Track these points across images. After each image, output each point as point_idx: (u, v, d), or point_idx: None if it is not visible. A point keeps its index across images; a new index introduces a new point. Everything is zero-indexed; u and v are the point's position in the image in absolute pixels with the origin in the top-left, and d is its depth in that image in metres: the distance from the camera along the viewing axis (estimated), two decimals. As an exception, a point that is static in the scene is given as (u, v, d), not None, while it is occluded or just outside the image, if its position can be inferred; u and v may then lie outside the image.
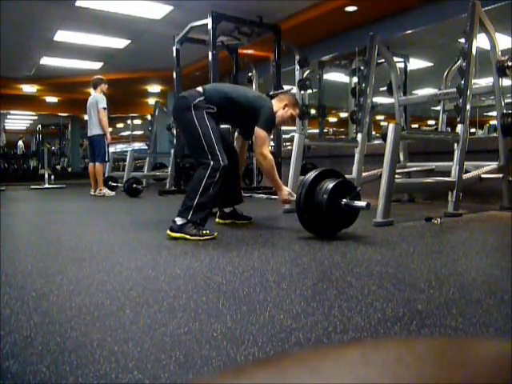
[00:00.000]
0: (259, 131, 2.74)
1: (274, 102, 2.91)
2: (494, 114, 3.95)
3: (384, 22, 5.67)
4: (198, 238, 2.50)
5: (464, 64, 3.51)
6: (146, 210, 4.65)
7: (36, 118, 15.52)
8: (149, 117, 9.29)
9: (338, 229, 2.59)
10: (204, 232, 2.53)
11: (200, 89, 2.79)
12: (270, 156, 2.79)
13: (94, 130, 6.10)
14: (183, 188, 6.03)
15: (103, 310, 1.31)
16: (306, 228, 2.58)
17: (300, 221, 2.57)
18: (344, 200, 2.45)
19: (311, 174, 2.55)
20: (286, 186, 3.19)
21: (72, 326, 1.18)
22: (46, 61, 8.47)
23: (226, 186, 2.96)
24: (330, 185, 2.44)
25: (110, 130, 6.35)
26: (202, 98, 2.69)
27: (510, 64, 3.67)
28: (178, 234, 2.53)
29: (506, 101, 3.90)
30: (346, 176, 3.83)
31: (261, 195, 4.73)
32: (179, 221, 2.55)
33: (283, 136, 6.43)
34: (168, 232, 2.58)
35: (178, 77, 5.98)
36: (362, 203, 2.43)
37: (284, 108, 2.88)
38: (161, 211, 4.40)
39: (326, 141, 7.07)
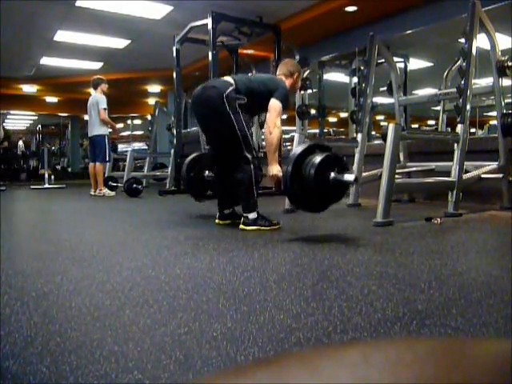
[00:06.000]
0: (275, 102, 2.80)
1: (282, 78, 3.02)
2: (494, 113, 3.95)
3: (384, 22, 5.66)
4: (272, 227, 2.80)
5: (464, 64, 3.51)
6: (145, 210, 4.65)
7: (36, 117, 15.51)
8: (149, 117, 9.29)
9: (326, 204, 2.55)
10: (274, 222, 2.84)
11: (229, 79, 2.86)
12: (281, 129, 2.86)
13: (94, 130, 6.10)
14: (183, 188, 6.03)
15: (103, 310, 1.31)
16: (295, 204, 2.56)
17: (288, 197, 2.55)
18: (332, 174, 2.41)
19: (298, 149, 2.51)
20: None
21: (72, 326, 1.18)
22: (46, 61, 8.46)
23: (229, 187, 3.01)
24: (318, 159, 2.40)
25: (110, 130, 6.35)
26: (232, 88, 2.77)
27: (510, 64, 3.66)
28: (253, 227, 2.78)
29: (506, 101, 3.90)
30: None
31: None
32: (251, 216, 2.80)
33: (283, 136, 6.43)
34: (242, 226, 2.80)
35: (178, 77, 5.98)
36: (349, 177, 2.41)
37: (289, 80, 3.02)
38: (161, 211, 4.40)
39: (326, 141, 7.06)
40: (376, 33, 4.39)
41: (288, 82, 3.01)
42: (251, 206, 2.82)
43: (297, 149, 2.53)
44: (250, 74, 3.12)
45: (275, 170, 2.85)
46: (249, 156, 2.79)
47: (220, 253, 2.15)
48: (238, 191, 2.90)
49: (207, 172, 3.49)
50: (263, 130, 4.91)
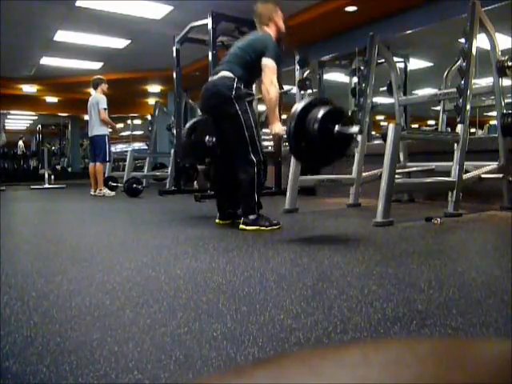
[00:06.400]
0: (267, 60, 2.76)
1: (264, 30, 2.96)
2: (494, 114, 3.95)
3: (384, 22, 5.66)
4: (272, 227, 2.81)
5: (464, 64, 3.51)
6: (145, 210, 4.65)
7: (36, 118, 15.50)
8: (149, 117, 9.30)
9: (331, 158, 2.54)
10: (274, 223, 2.85)
11: (228, 73, 2.81)
12: (278, 86, 2.81)
13: (94, 130, 6.11)
14: (183, 188, 6.03)
15: (103, 310, 1.31)
16: (302, 162, 2.53)
17: (292, 152, 2.53)
18: (336, 127, 2.39)
19: (300, 104, 2.48)
20: (286, 186, 3.20)
21: (72, 326, 1.18)
22: (46, 61, 8.46)
23: (232, 188, 3.02)
24: (320, 113, 2.37)
25: (110, 130, 6.35)
26: (236, 83, 2.76)
27: (510, 64, 3.66)
28: (253, 227, 2.79)
29: (506, 101, 3.90)
30: (346, 176, 3.84)
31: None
32: (251, 216, 2.81)
33: (283, 136, 6.42)
34: (242, 226, 2.80)
35: (178, 77, 5.98)
36: (354, 128, 2.40)
37: (272, 26, 2.97)
38: (161, 211, 4.40)
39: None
40: (376, 33, 4.39)
41: (272, 30, 2.95)
42: (250, 209, 2.82)
43: (298, 104, 2.48)
44: (234, 48, 2.98)
45: (277, 128, 2.84)
46: (254, 159, 2.78)
47: (220, 253, 2.15)
48: (240, 192, 2.90)
49: (207, 137, 3.40)
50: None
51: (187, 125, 3.57)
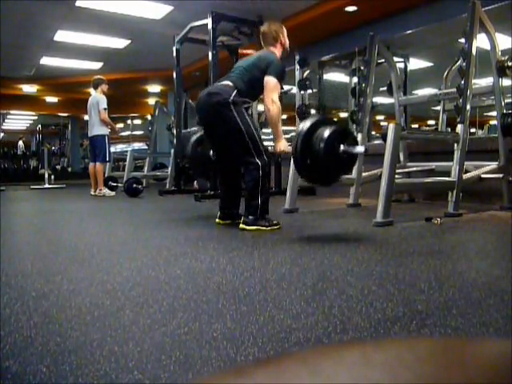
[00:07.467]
0: (269, 78, 2.80)
1: (270, 50, 2.99)
2: (494, 114, 3.95)
3: (384, 22, 5.66)
4: (272, 227, 2.82)
5: (464, 64, 3.51)
6: (146, 210, 4.65)
7: (36, 117, 15.50)
8: (149, 117, 9.30)
9: (338, 176, 2.55)
10: (274, 223, 2.86)
11: (229, 82, 2.84)
12: (279, 103, 2.84)
13: (94, 131, 6.11)
14: (183, 188, 6.03)
15: (103, 310, 1.31)
16: (307, 179, 2.54)
17: (298, 171, 2.54)
18: (342, 147, 2.41)
19: (306, 124, 2.50)
20: (286, 185, 3.20)
21: (72, 326, 1.18)
22: (46, 61, 8.46)
23: (233, 189, 3.04)
24: (326, 133, 2.39)
25: (110, 130, 6.35)
26: (235, 92, 2.77)
27: (510, 64, 3.66)
28: (253, 227, 2.80)
29: (506, 101, 3.90)
30: (346, 176, 3.83)
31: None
32: (251, 216, 2.82)
33: (283, 136, 6.42)
34: (243, 226, 2.81)
35: (178, 77, 5.98)
36: (360, 148, 2.42)
37: (278, 46, 3.00)
38: (161, 211, 4.40)
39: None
40: (376, 33, 4.39)
41: (277, 50, 2.99)
42: (253, 211, 2.83)
43: (304, 124, 2.50)
44: (241, 63, 3.02)
45: (282, 145, 2.86)
46: (259, 162, 2.78)
47: (220, 253, 2.15)
48: (245, 193, 2.92)
49: (212, 151, 3.43)
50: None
51: (193, 137, 3.60)
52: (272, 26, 3.05)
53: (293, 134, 4.87)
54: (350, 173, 2.53)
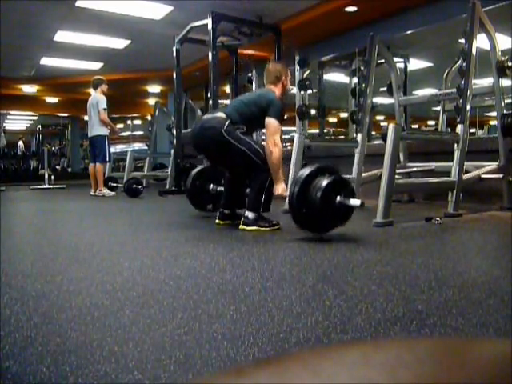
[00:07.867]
0: (271, 120, 2.83)
1: (270, 88, 3.03)
2: (494, 114, 3.95)
3: (384, 22, 5.66)
4: (272, 228, 2.84)
5: (464, 64, 3.51)
6: (145, 210, 4.65)
7: (36, 118, 15.50)
8: (149, 117, 9.30)
9: (332, 226, 2.56)
10: (274, 223, 2.87)
11: (222, 114, 2.89)
12: (281, 146, 2.88)
13: (94, 131, 6.10)
14: (183, 188, 6.03)
15: (103, 310, 1.31)
16: (300, 226, 2.55)
17: (293, 218, 2.55)
18: (338, 198, 2.43)
19: (305, 171, 2.52)
20: (286, 185, 3.21)
21: (72, 326, 1.18)
22: (46, 61, 8.46)
23: (234, 189, 3.05)
24: (324, 182, 2.41)
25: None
26: (228, 122, 2.82)
27: (510, 64, 3.66)
28: (253, 228, 2.82)
29: (506, 101, 3.90)
30: (346, 176, 3.83)
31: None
32: (251, 216, 2.84)
33: (283, 136, 6.43)
34: (243, 226, 2.83)
35: (178, 77, 5.99)
36: (356, 201, 2.41)
37: (279, 85, 3.03)
38: (161, 211, 4.40)
39: (326, 141, 7.06)
40: (376, 33, 4.39)
41: (278, 89, 3.03)
42: (255, 208, 2.86)
43: (304, 171, 2.54)
44: (241, 97, 3.14)
45: (280, 189, 2.88)
46: (265, 167, 2.83)
47: (220, 253, 2.15)
48: (249, 189, 2.96)
49: (212, 185, 3.55)
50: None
51: (193, 172, 3.72)
52: (277, 65, 3.13)
53: (293, 134, 4.88)
54: (344, 223, 2.52)
